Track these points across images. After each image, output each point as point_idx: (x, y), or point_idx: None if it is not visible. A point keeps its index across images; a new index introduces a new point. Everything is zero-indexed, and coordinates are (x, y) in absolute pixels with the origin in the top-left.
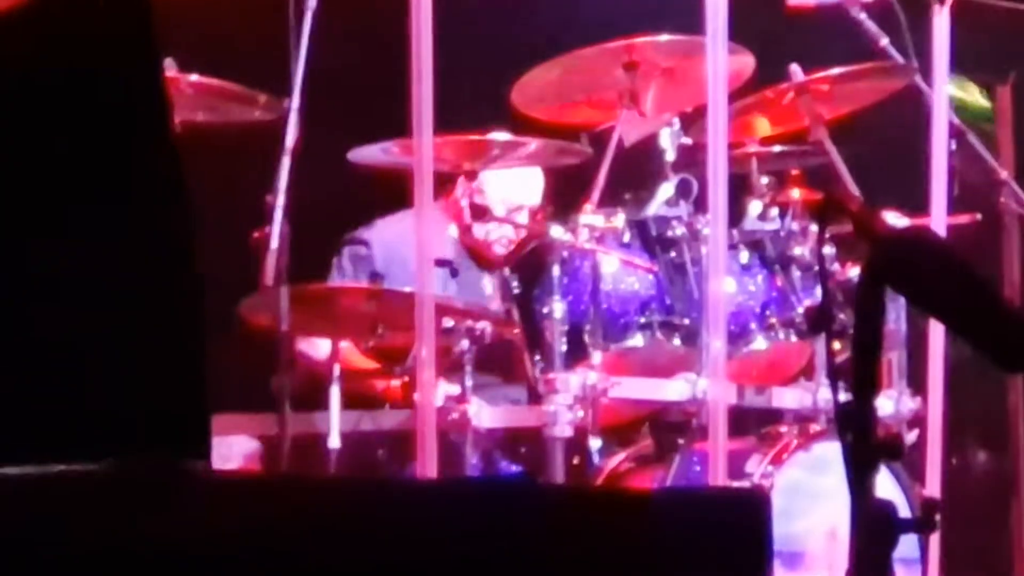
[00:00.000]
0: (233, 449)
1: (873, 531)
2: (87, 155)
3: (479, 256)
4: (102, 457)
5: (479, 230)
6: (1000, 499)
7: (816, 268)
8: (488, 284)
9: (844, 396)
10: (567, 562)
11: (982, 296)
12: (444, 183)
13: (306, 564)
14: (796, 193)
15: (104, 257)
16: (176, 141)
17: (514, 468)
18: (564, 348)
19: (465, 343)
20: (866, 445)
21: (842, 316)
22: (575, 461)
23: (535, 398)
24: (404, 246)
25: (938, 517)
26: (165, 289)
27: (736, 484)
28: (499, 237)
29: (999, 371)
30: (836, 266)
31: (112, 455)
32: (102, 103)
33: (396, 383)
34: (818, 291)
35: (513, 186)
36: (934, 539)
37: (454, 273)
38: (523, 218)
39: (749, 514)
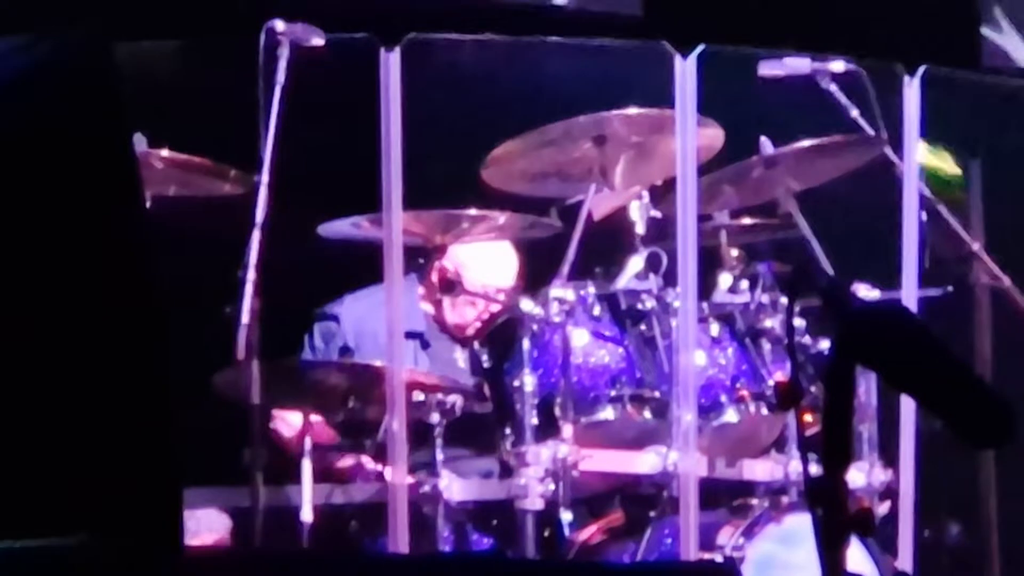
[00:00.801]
0: (202, 523)
1: None
2: (57, 231)
3: (451, 331)
4: (71, 533)
5: (451, 307)
6: (972, 572)
7: (786, 341)
8: (460, 356)
9: (815, 469)
10: None
11: (952, 372)
12: (416, 257)
13: None
14: (766, 266)
15: (73, 334)
16: (146, 216)
17: (485, 541)
18: (535, 421)
19: (436, 416)
20: (837, 519)
21: (813, 389)
22: (546, 534)
23: (506, 471)
24: (373, 321)
25: None
26: (134, 364)
27: (708, 556)
28: (473, 319)
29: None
30: (807, 339)
31: (82, 531)
32: (72, 179)
33: (367, 457)
34: (788, 365)
35: (489, 268)
36: None
37: (424, 345)
38: (498, 299)
39: None
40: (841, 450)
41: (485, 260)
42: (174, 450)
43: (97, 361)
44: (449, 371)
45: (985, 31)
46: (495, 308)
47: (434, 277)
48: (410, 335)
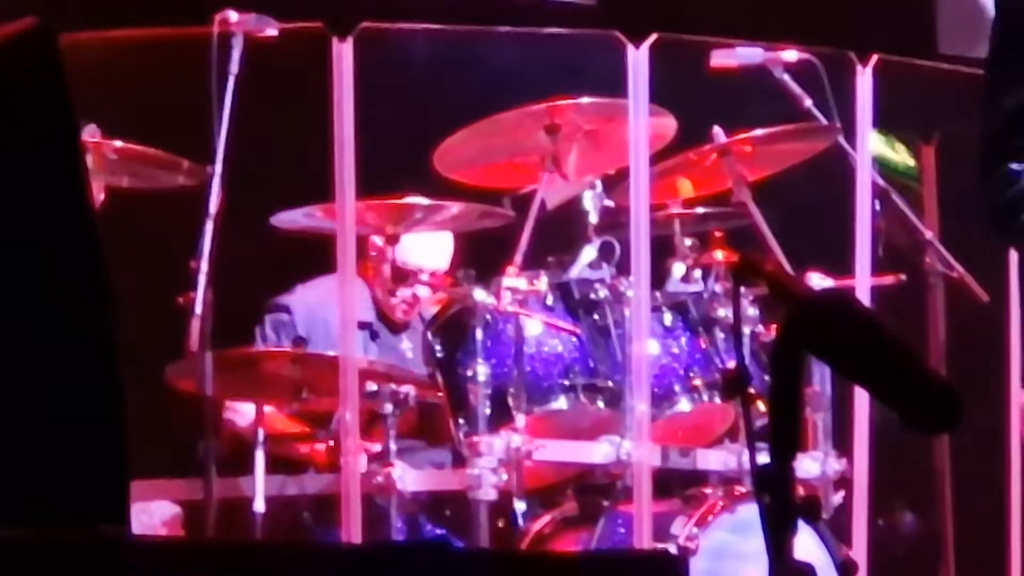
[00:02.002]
0: (154, 515)
1: None
2: (1, 223)
3: (390, 318)
4: (18, 524)
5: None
6: (927, 560)
7: (734, 329)
8: (408, 347)
9: (763, 458)
10: None
11: (897, 359)
12: (358, 247)
13: None
14: (719, 255)
15: (20, 326)
16: (92, 207)
17: (439, 531)
18: (488, 411)
19: (389, 407)
20: (784, 507)
21: (766, 377)
22: (500, 524)
23: (459, 461)
24: (325, 310)
25: None
26: (83, 354)
27: (661, 546)
28: (399, 302)
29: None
30: (760, 327)
31: (29, 522)
32: (16, 171)
33: (320, 447)
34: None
35: (417, 250)
36: None
37: (374, 335)
38: (427, 281)
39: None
40: (788, 438)
41: (418, 242)
42: (125, 442)
43: (46, 353)
44: (398, 361)
45: None
46: (425, 293)
47: (384, 267)
48: (361, 325)
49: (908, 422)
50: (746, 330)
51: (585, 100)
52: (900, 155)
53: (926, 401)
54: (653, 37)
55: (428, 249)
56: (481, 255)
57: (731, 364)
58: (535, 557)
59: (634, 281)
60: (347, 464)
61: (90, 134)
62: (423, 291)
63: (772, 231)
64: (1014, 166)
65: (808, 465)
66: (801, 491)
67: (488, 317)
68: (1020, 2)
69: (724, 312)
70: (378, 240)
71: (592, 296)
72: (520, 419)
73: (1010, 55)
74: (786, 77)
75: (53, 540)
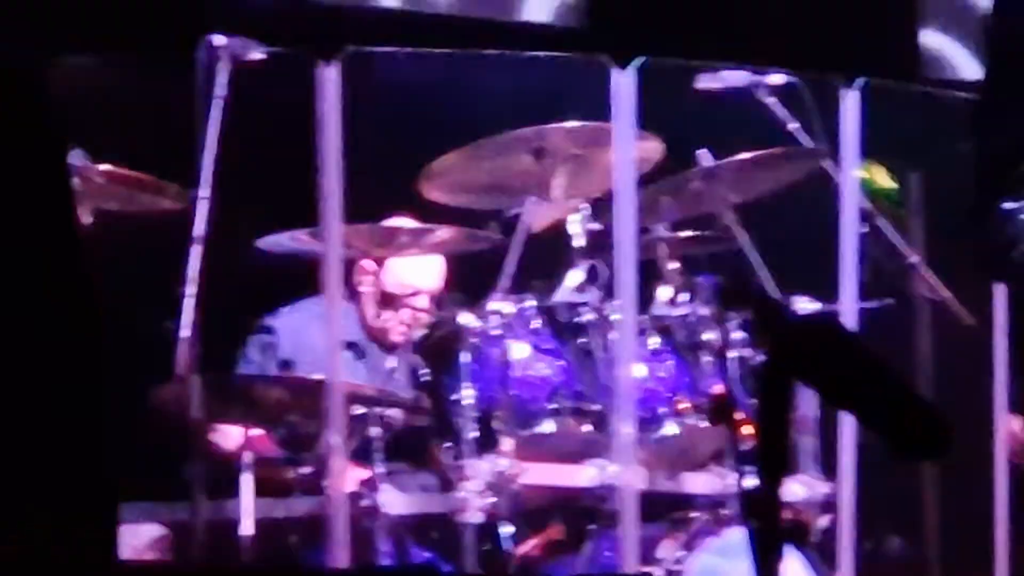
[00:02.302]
0: (141, 538)
1: None
2: None
3: (380, 339)
4: (3, 547)
5: (373, 313)
6: None
7: (719, 353)
8: (394, 365)
9: (750, 481)
10: None
11: (885, 386)
12: (345, 269)
13: None
14: (705, 279)
15: (6, 350)
16: (79, 230)
17: (425, 555)
18: (474, 435)
19: (375, 430)
20: (771, 531)
21: (752, 401)
22: (486, 548)
23: (446, 485)
24: (310, 332)
25: None
26: (70, 377)
27: (648, 569)
28: (395, 324)
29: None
30: (747, 351)
31: (15, 546)
32: (3, 196)
33: (307, 470)
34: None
35: (410, 271)
36: None
37: (360, 355)
38: (422, 303)
39: None
40: (775, 462)
41: (408, 263)
42: (111, 465)
43: (32, 376)
44: (385, 381)
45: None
46: (420, 315)
47: (362, 288)
48: (346, 345)
49: (896, 450)
50: (733, 353)
51: (571, 123)
52: (882, 180)
53: (914, 429)
54: (639, 60)
55: (421, 270)
56: (467, 278)
57: (717, 388)
58: None
59: (620, 304)
60: (333, 487)
61: (77, 158)
62: (420, 314)
63: (758, 255)
64: (1007, 205)
65: (795, 488)
66: (788, 515)
67: (474, 341)
68: (1012, 32)
69: (710, 335)
70: (368, 264)
71: (578, 319)
72: (506, 443)
73: (1004, 85)
74: (771, 100)
75: (39, 564)
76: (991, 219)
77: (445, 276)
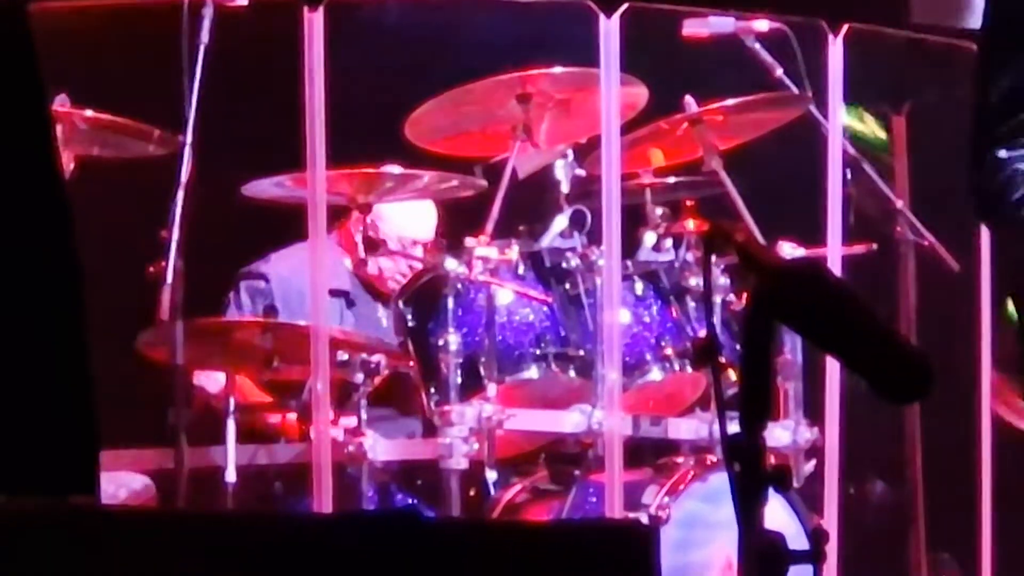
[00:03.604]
0: (124, 487)
1: (762, 562)
2: None
3: (373, 288)
4: None
5: (373, 263)
6: (897, 528)
7: (705, 298)
8: (384, 314)
9: (733, 427)
10: None
11: (870, 327)
12: (337, 215)
13: None
14: (691, 224)
15: None
16: (62, 176)
17: (410, 501)
18: (459, 380)
19: (360, 376)
20: (754, 476)
21: (737, 346)
22: (471, 493)
23: (430, 431)
24: (300, 279)
25: (828, 547)
26: (53, 323)
27: (633, 515)
28: (393, 273)
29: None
30: (731, 297)
31: None
32: None
33: (292, 416)
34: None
35: (407, 221)
36: (832, 569)
37: (350, 303)
38: (417, 252)
39: (636, 546)
40: (759, 407)
41: (403, 213)
42: (95, 411)
43: (15, 322)
44: (374, 329)
45: None
46: (415, 264)
47: (357, 236)
48: (335, 293)
49: (879, 391)
50: (717, 299)
51: (557, 69)
52: (869, 126)
53: (897, 370)
54: (625, 6)
55: (417, 220)
56: (453, 224)
57: (702, 333)
58: (506, 526)
59: (605, 250)
60: (318, 434)
61: (60, 103)
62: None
63: (743, 200)
64: (1002, 152)
65: (779, 434)
66: (772, 460)
67: (459, 286)
68: None
69: (695, 281)
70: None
71: (563, 265)
72: (491, 388)
73: (1003, 35)
74: (757, 46)
75: (21, 510)
76: (987, 165)
77: (437, 224)
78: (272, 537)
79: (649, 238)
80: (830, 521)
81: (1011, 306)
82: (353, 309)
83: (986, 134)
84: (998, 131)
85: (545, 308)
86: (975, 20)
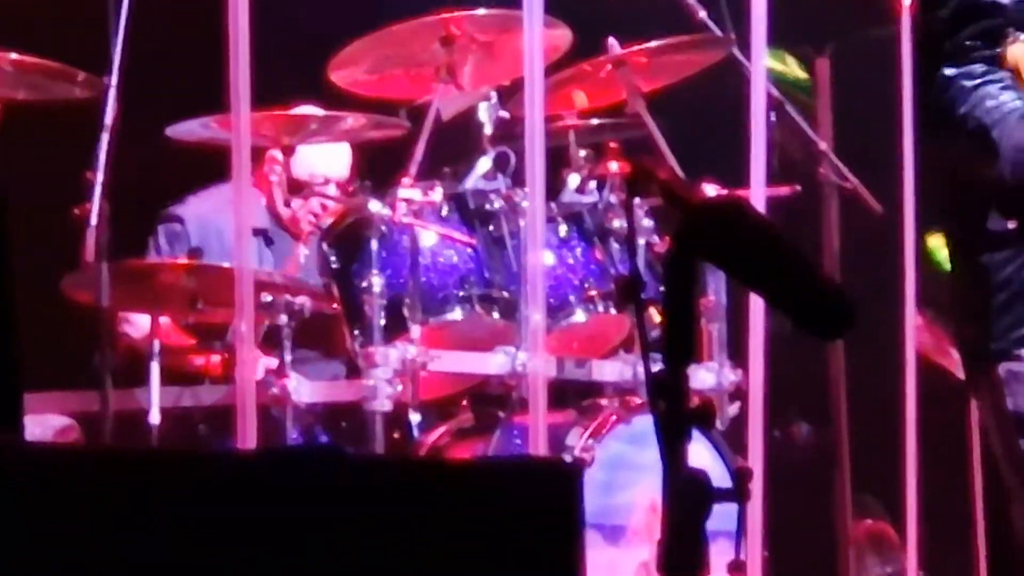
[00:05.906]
0: (47, 428)
1: (686, 500)
2: None
3: (289, 227)
4: None
5: (286, 202)
6: (822, 470)
7: (627, 237)
8: (302, 253)
9: (657, 366)
10: (375, 531)
11: (792, 263)
12: (254, 157)
13: (121, 534)
14: (614, 166)
15: None
16: None
17: (334, 443)
18: (383, 322)
19: (284, 318)
20: (677, 414)
21: (661, 289)
22: (395, 435)
23: (354, 372)
24: (218, 220)
25: (752, 488)
26: None
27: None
28: (305, 214)
29: (817, 341)
30: (655, 238)
31: None
32: None
33: (215, 358)
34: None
35: (319, 159)
36: (756, 510)
37: (268, 241)
38: (331, 191)
39: (560, 485)
40: (682, 346)
41: (315, 152)
42: (18, 353)
43: None
44: (293, 267)
45: None
46: (328, 202)
47: (273, 177)
48: (255, 232)
49: (801, 326)
50: (640, 240)
51: (480, 11)
52: (792, 69)
53: (819, 305)
54: None
55: (328, 158)
56: (376, 166)
57: (625, 274)
58: (430, 463)
59: (529, 192)
60: (241, 376)
61: None
62: (328, 201)
63: (667, 142)
64: (949, 70)
65: (703, 376)
66: (695, 400)
67: (383, 228)
68: None
69: (619, 223)
70: (276, 152)
71: (487, 207)
72: (415, 330)
73: None
74: None
75: None
76: (933, 84)
77: (353, 164)
78: (194, 473)
79: (573, 180)
80: (755, 463)
81: (931, 244)
82: (272, 247)
83: (933, 53)
84: (944, 49)
85: (469, 250)
86: None
